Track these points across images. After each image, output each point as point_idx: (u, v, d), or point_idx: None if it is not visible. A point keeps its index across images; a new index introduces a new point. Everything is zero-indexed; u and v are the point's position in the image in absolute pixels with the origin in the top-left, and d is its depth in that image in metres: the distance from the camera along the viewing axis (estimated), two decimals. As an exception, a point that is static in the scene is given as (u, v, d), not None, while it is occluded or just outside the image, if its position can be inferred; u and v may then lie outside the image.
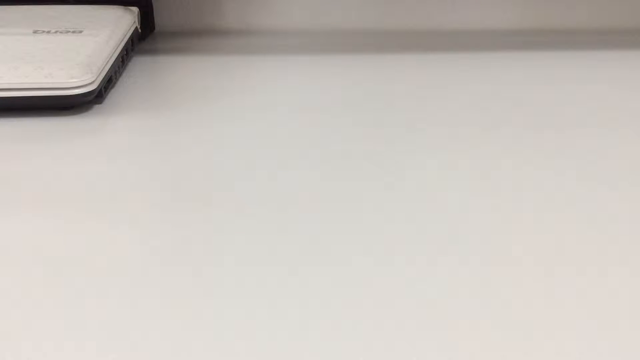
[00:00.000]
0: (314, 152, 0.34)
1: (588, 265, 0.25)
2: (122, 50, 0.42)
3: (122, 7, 0.46)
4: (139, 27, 0.47)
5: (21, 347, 0.21)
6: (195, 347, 0.21)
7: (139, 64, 0.46)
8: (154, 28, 0.52)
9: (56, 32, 0.41)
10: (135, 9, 0.47)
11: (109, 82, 0.40)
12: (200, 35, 0.52)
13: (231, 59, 0.47)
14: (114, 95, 0.40)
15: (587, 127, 0.36)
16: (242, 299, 0.23)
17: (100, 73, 0.37)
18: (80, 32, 0.41)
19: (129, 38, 0.44)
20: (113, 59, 0.40)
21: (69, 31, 0.41)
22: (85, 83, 0.36)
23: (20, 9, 0.45)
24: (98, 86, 0.37)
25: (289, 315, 0.22)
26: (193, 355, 0.21)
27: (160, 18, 0.52)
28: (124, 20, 0.44)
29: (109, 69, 0.39)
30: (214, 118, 0.37)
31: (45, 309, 0.23)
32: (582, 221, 0.28)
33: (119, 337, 0.21)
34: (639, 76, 0.44)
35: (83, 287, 0.24)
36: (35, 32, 0.41)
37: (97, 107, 0.39)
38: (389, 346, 0.21)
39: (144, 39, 0.50)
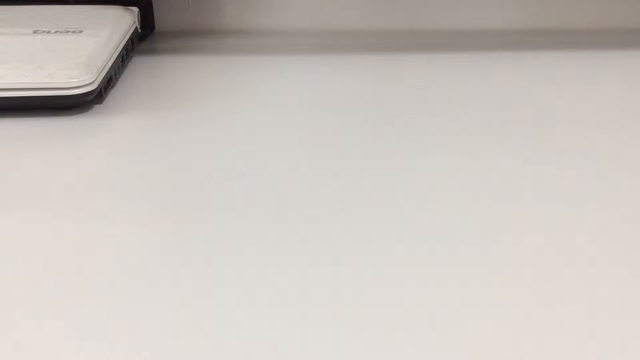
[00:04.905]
0: (314, 152, 0.34)
1: (588, 265, 0.25)
2: (122, 50, 0.42)
3: (122, 7, 0.46)
4: (139, 27, 0.47)
5: (20, 346, 0.21)
6: (195, 347, 0.21)
7: (139, 64, 0.46)
8: (154, 28, 0.52)
9: (56, 32, 0.41)
10: (135, 9, 0.47)
11: (109, 82, 0.40)
12: (200, 35, 0.52)
13: (231, 59, 0.47)
14: (114, 95, 0.40)
15: (588, 127, 0.36)
16: (242, 299, 0.23)
17: (100, 73, 0.37)
18: (80, 32, 0.41)
19: (129, 38, 0.44)
20: (113, 59, 0.40)
21: (69, 31, 0.41)
22: (85, 83, 0.36)
23: (20, 9, 0.45)
24: (98, 86, 0.37)
25: (289, 316, 0.23)
26: (193, 355, 0.21)
27: (160, 18, 0.52)
28: (124, 20, 0.44)
29: (109, 69, 0.39)
30: (214, 118, 0.37)
31: (45, 308, 0.23)
32: (583, 221, 0.28)
33: (119, 338, 0.22)
34: (639, 76, 0.44)
35: (83, 287, 0.24)
36: (35, 32, 0.41)
37: (97, 107, 0.39)
38: (389, 346, 0.21)
39: (144, 39, 0.50)
